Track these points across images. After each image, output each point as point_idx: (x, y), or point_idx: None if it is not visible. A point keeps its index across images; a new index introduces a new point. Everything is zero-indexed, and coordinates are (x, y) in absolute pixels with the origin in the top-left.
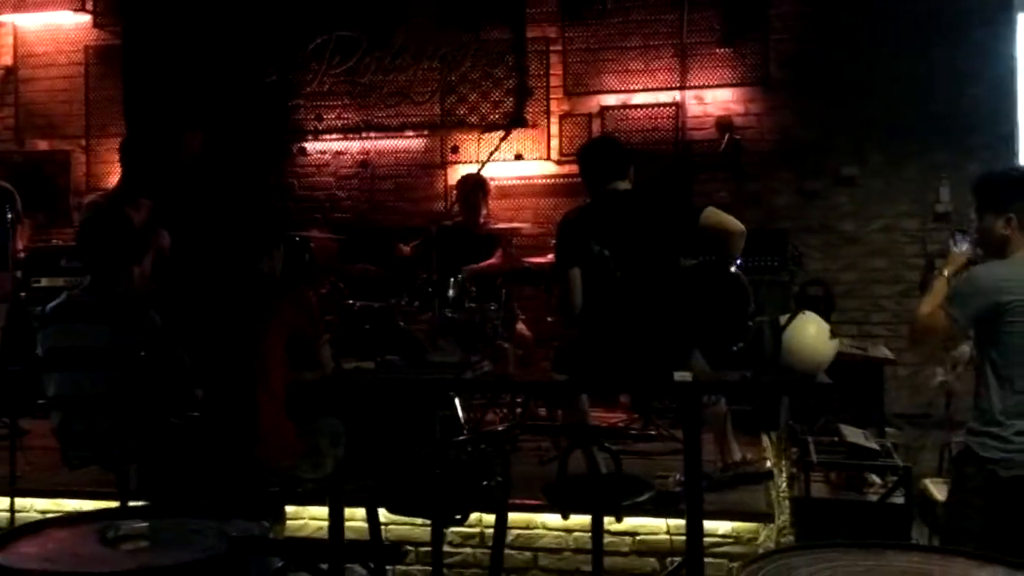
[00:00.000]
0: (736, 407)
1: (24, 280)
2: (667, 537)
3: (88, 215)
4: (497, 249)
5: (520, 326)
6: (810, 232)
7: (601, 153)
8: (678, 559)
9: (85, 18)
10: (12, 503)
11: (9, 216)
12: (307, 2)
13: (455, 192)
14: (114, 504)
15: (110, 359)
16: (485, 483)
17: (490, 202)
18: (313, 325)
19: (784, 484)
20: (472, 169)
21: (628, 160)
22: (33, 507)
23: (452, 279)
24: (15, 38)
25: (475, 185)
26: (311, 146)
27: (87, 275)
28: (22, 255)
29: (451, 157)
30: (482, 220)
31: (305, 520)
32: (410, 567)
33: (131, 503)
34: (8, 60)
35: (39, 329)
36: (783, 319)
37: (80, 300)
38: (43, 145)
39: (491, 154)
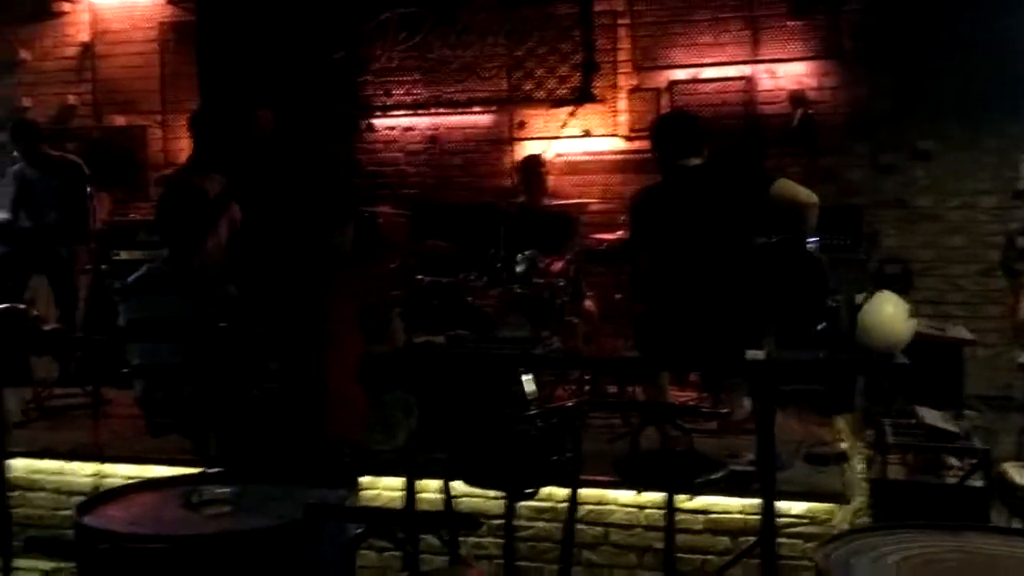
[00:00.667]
0: (810, 388)
1: (104, 253)
2: (740, 516)
3: (163, 191)
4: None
5: (587, 303)
6: (886, 208)
7: (675, 129)
8: (751, 538)
9: None
10: (98, 469)
11: (87, 190)
12: None
13: (516, 173)
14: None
15: (188, 330)
16: (556, 458)
17: (551, 179)
18: (383, 299)
19: (860, 466)
20: (540, 145)
21: (702, 136)
22: (117, 473)
23: (520, 255)
24: (92, 15)
25: (534, 165)
26: (379, 122)
27: (165, 248)
28: (101, 228)
29: (518, 133)
30: (544, 199)
31: (379, 491)
32: (482, 539)
33: (211, 470)
34: (85, 37)
35: (120, 301)
36: (859, 298)
37: (159, 272)
38: (120, 121)
39: (560, 129)
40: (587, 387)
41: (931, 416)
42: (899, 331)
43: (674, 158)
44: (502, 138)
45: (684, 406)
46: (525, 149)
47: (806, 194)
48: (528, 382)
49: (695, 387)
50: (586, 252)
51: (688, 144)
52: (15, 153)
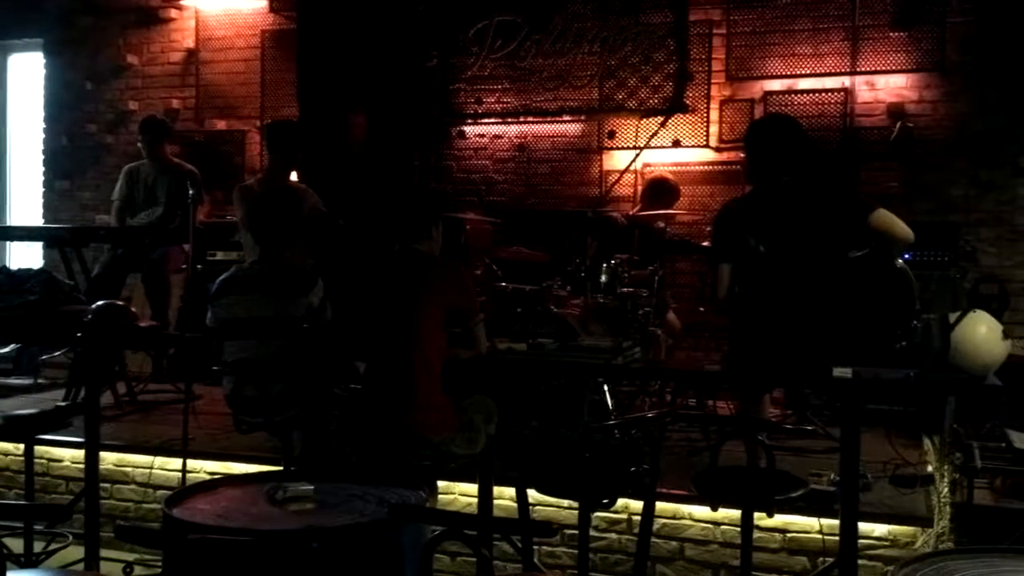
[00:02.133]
0: (899, 408)
1: (200, 253)
2: (819, 536)
3: (255, 195)
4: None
5: (671, 315)
6: (984, 226)
7: (772, 135)
8: (830, 559)
9: (262, 3)
10: (184, 464)
11: (191, 193)
12: None
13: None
14: (279, 468)
15: (276, 329)
16: (633, 469)
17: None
18: (469, 304)
19: (946, 489)
20: (628, 155)
21: (801, 144)
22: (203, 469)
23: (605, 264)
24: (197, 22)
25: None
26: (470, 129)
27: (253, 250)
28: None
29: (608, 142)
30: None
31: (455, 496)
32: (556, 548)
33: (295, 468)
34: (191, 43)
35: (211, 299)
36: (953, 317)
37: (249, 272)
38: (221, 125)
39: (649, 140)
40: (668, 399)
41: (1021, 440)
42: (992, 352)
43: (769, 170)
44: (591, 147)
45: (766, 421)
46: (614, 159)
47: (903, 230)
48: (607, 393)
49: (779, 403)
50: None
51: (785, 153)
52: (139, 145)
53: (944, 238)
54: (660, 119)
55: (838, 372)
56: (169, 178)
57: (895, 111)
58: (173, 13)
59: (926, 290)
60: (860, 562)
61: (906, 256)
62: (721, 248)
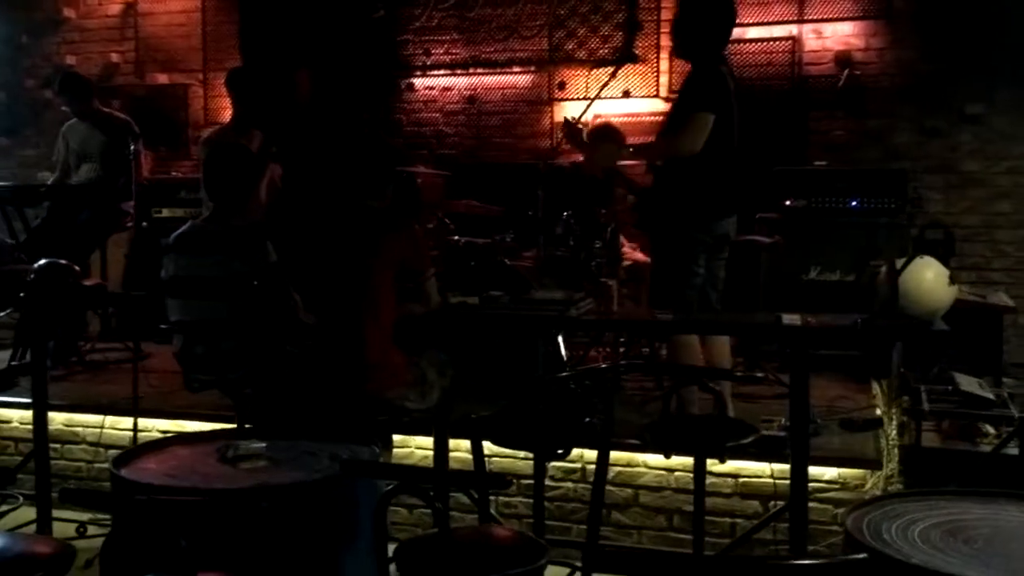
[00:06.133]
0: (847, 353)
1: (146, 210)
2: (771, 481)
3: (209, 150)
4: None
5: (638, 255)
6: (931, 172)
7: (719, 11)
8: (781, 503)
9: None
10: (135, 423)
11: (132, 148)
12: None
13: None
14: (232, 426)
15: (227, 287)
16: (588, 420)
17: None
18: (420, 259)
19: (894, 432)
20: (579, 106)
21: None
22: (155, 428)
23: (560, 216)
24: None
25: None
26: (419, 82)
27: (206, 206)
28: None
29: (558, 93)
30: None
31: (411, 449)
32: (512, 498)
33: (248, 426)
34: None
35: (163, 256)
36: (900, 263)
37: (202, 230)
38: (163, 79)
39: (600, 91)
40: (621, 350)
41: (968, 383)
42: (939, 297)
43: (714, 43)
44: (541, 99)
45: (716, 369)
46: (564, 109)
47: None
48: (561, 344)
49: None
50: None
51: (729, 27)
52: (64, 108)
53: (891, 185)
54: (610, 70)
55: (787, 319)
56: (103, 133)
57: (842, 59)
58: None
59: (874, 237)
60: (811, 505)
61: (853, 203)
62: (709, 96)
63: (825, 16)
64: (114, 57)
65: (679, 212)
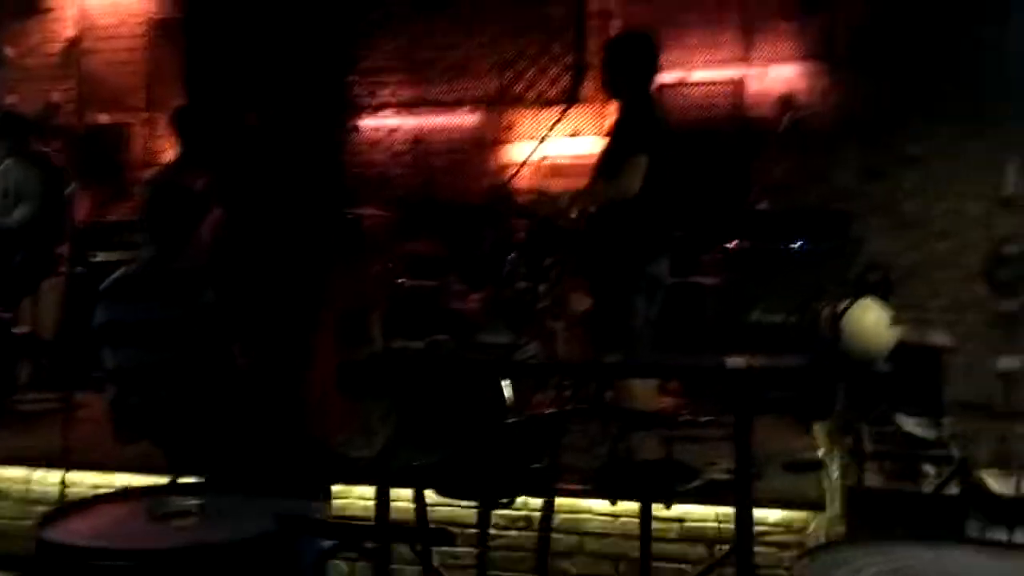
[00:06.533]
0: (789, 395)
1: (81, 254)
2: (716, 524)
3: (149, 190)
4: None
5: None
6: (872, 213)
7: (644, 49)
8: (727, 546)
9: None
10: (63, 478)
11: (69, 189)
12: None
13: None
14: (164, 480)
15: (164, 334)
16: (533, 466)
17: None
18: (364, 303)
19: (837, 473)
20: (528, 146)
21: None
22: (85, 481)
23: (506, 258)
24: (78, 11)
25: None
26: (365, 122)
27: (145, 249)
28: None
29: (506, 134)
30: None
31: (352, 499)
32: (456, 548)
33: (181, 479)
34: (71, 33)
35: (96, 303)
36: (842, 304)
37: (138, 274)
38: (104, 118)
39: (548, 131)
40: (567, 393)
41: (909, 423)
42: (881, 339)
43: (640, 82)
44: (489, 139)
45: (663, 415)
46: (512, 150)
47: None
48: (507, 388)
49: (674, 394)
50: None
51: (654, 66)
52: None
53: (834, 226)
54: (558, 110)
55: (731, 363)
56: (38, 173)
57: (785, 101)
58: (53, 3)
59: (817, 278)
60: (756, 548)
61: (796, 245)
62: (644, 138)
63: (768, 58)
64: (55, 96)
65: (614, 254)
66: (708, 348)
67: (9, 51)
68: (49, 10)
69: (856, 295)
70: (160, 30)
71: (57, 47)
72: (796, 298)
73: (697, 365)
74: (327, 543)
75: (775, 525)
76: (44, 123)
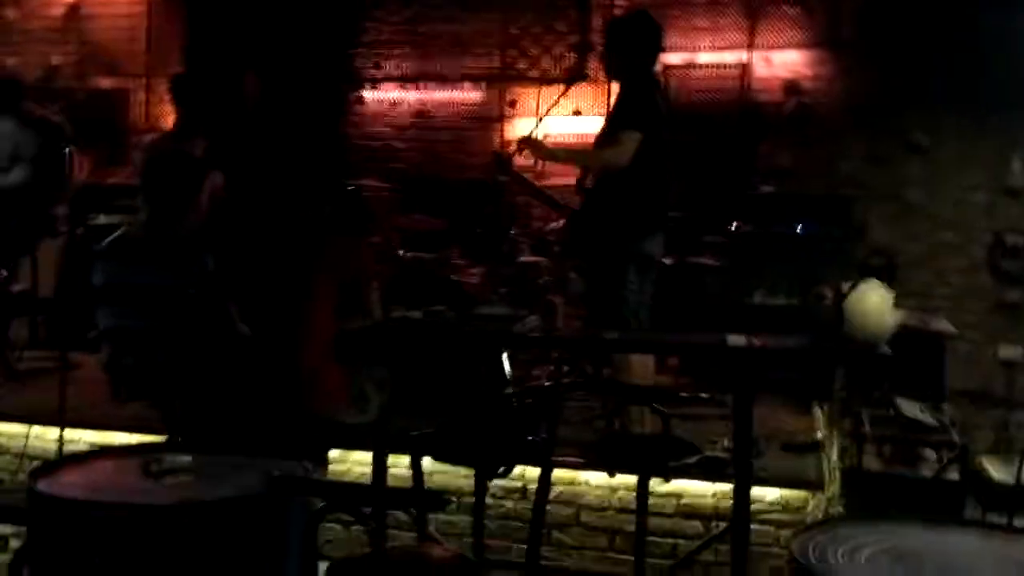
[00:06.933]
0: (789, 375)
1: (80, 215)
2: (713, 501)
3: (148, 155)
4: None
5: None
6: (876, 200)
7: (650, 31)
8: (724, 524)
9: None
10: (61, 434)
11: (66, 151)
12: None
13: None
14: (159, 439)
15: (161, 297)
16: (530, 438)
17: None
18: (362, 272)
19: (835, 455)
20: (530, 123)
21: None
22: (82, 439)
23: (505, 233)
24: None
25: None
26: (369, 95)
27: (143, 212)
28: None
29: (509, 111)
30: None
31: (349, 465)
32: (452, 516)
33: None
34: None
35: (94, 263)
36: (845, 286)
37: (136, 238)
38: (104, 83)
39: (549, 109)
40: (565, 368)
41: (910, 408)
42: (883, 321)
43: (645, 62)
44: (492, 115)
45: (661, 389)
46: (515, 126)
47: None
48: (506, 361)
49: (674, 371)
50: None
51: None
52: None
53: (837, 212)
54: (561, 88)
55: (732, 340)
56: (37, 135)
57: (791, 87)
58: None
59: (818, 262)
60: (752, 526)
61: (799, 229)
62: (639, 116)
63: (775, 44)
64: (55, 60)
65: (607, 230)
66: (709, 329)
67: (10, 12)
68: None
69: (859, 278)
70: None
71: (59, 11)
72: (798, 281)
73: (697, 342)
74: (320, 504)
75: (772, 504)
76: (44, 86)
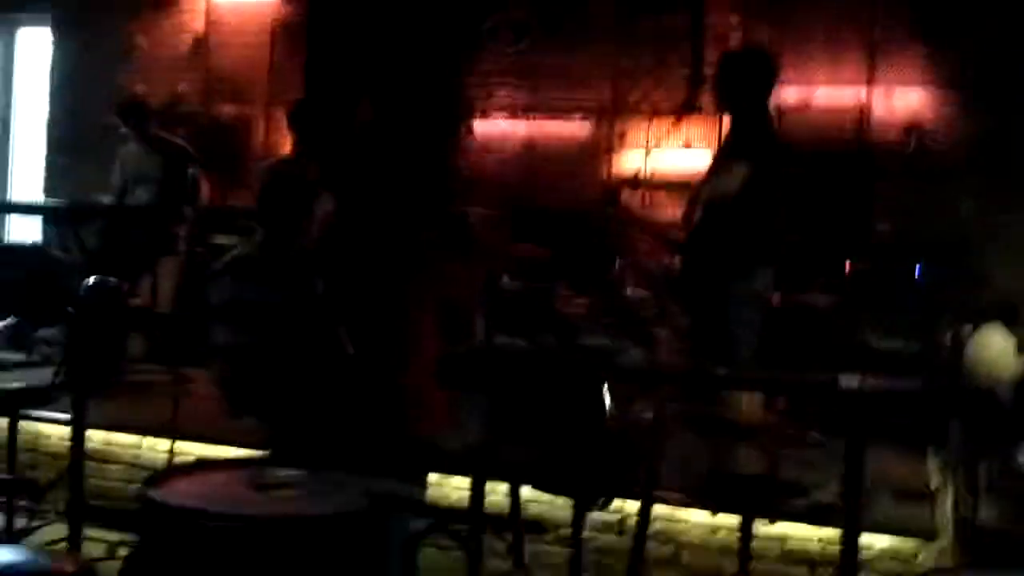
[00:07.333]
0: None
1: (200, 235)
2: (820, 547)
3: (265, 178)
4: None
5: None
6: (998, 243)
7: (764, 67)
8: (830, 570)
9: None
10: (172, 446)
11: (190, 173)
12: None
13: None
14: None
15: (271, 315)
16: (631, 471)
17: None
18: (467, 298)
19: (949, 506)
20: (639, 156)
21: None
22: (192, 451)
23: (610, 265)
24: (207, 6)
25: None
26: (479, 124)
27: (259, 232)
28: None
29: (618, 143)
30: None
31: (447, 489)
32: (550, 547)
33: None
34: (200, 28)
35: (210, 281)
36: (965, 329)
37: (251, 257)
38: (228, 110)
39: (659, 141)
40: (669, 402)
41: None
42: (1006, 366)
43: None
44: (601, 148)
45: (769, 429)
46: (624, 160)
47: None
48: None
49: (782, 412)
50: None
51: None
52: (123, 131)
53: (957, 253)
54: (671, 121)
55: (845, 382)
56: (161, 157)
57: (911, 126)
58: None
59: (938, 304)
60: (860, 575)
61: (917, 270)
62: (747, 148)
63: (895, 81)
64: (181, 87)
65: (715, 264)
66: (819, 369)
67: (140, 40)
68: (180, 5)
69: (980, 321)
70: (284, 28)
71: (186, 40)
72: (915, 324)
73: (808, 381)
74: (420, 524)
75: (882, 552)
76: (170, 111)
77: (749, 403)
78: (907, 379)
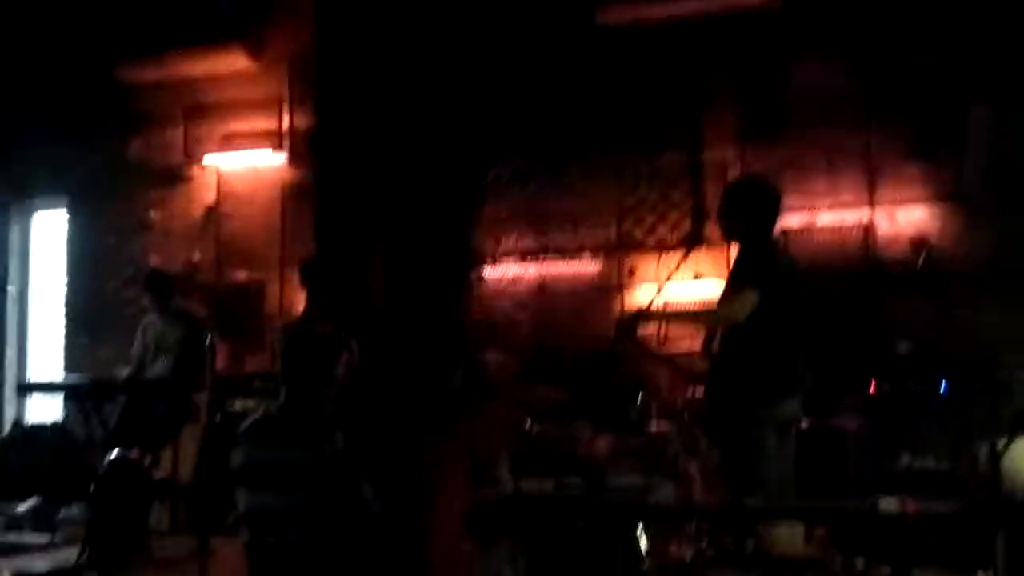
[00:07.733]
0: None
1: (219, 403)
2: None
3: (284, 337)
4: None
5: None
6: (1021, 353)
7: (770, 196)
8: None
9: (281, 157)
10: None
11: (208, 342)
12: (485, 135)
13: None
14: None
15: (297, 476)
16: None
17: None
18: (492, 444)
19: None
20: (650, 289)
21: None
22: None
23: (633, 402)
24: (218, 178)
25: None
26: (489, 270)
27: (282, 393)
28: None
29: (628, 279)
30: None
31: None
32: None
33: None
34: (211, 199)
35: (233, 446)
36: (999, 444)
37: (272, 418)
38: (241, 276)
39: (669, 275)
40: (704, 540)
41: None
42: None
43: (765, 227)
44: (611, 284)
45: (811, 561)
46: (635, 295)
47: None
48: (641, 534)
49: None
50: None
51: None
52: (146, 303)
53: (980, 367)
54: (679, 254)
55: (884, 506)
56: (181, 328)
57: (918, 242)
58: (195, 171)
59: (967, 421)
60: None
61: (942, 387)
62: (756, 275)
63: (896, 200)
64: (195, 256)
65: (741, 394)
66: (854, 495)
67: (154, 215)
68: (191, 178)
69: (1013, 433)
70: (293, 193)
71: (198, 211)
72: (946, 441)
73: (847, 508)
74: None
75: None
76: (185, 280)
77: (790, 535)
78: (945, 498)
